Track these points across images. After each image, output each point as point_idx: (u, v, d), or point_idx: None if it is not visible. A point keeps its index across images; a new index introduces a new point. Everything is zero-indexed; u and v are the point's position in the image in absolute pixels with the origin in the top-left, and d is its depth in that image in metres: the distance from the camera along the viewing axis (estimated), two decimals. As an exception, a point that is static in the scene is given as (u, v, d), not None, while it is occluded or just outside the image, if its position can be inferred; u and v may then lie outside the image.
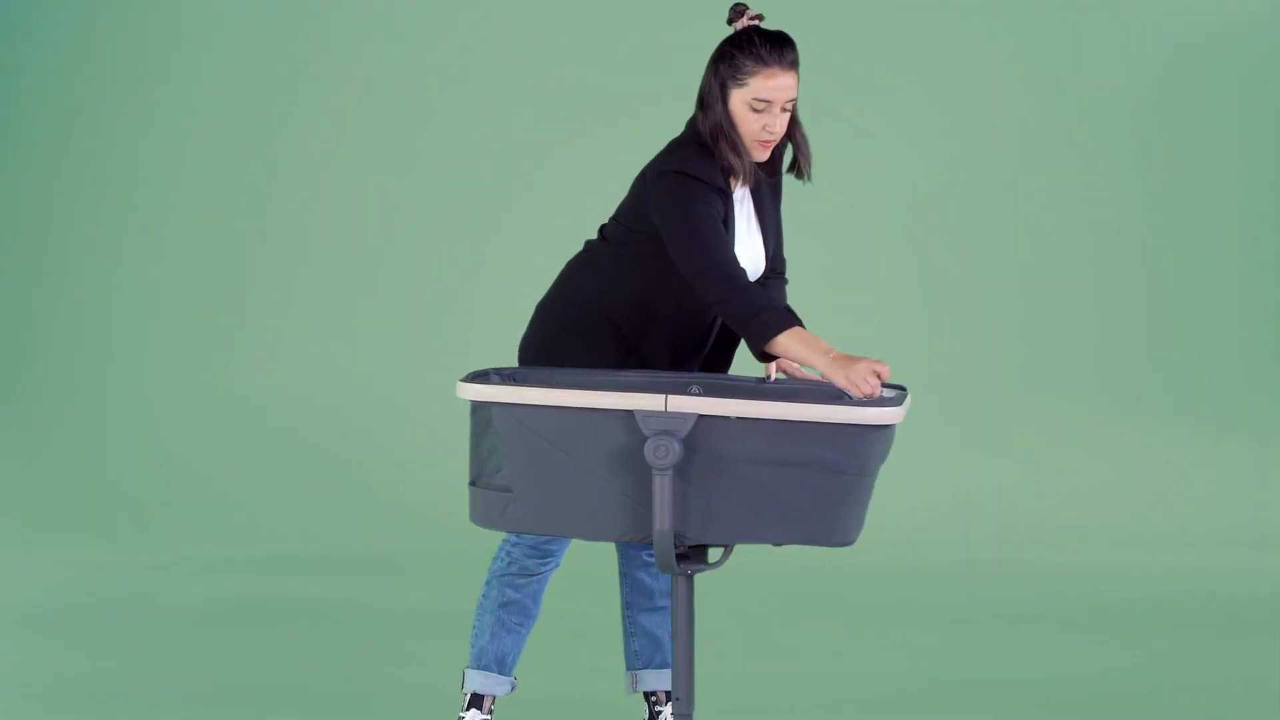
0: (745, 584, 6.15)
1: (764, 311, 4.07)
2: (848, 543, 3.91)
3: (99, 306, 8.15)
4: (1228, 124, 8.01)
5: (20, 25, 8.18)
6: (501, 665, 4.48)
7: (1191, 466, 7.73)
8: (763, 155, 4.25)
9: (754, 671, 5.49)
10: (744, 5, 4.26)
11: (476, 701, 4.50)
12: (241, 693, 5.27)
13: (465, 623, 5.09)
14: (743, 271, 4.14)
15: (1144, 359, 7.97)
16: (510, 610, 4.46)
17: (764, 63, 4.18)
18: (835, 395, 4.07)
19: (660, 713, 4.63)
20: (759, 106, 4.19)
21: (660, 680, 4.61)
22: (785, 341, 4.06)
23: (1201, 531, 7.43)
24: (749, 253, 4.32)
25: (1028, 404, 7.91)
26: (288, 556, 7.20)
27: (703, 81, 4.26)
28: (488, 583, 4.50)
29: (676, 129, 4.38)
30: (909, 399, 3.98)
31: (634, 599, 4.62)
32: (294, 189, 8.13)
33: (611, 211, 4.47)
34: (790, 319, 4.09)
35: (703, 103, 4.25)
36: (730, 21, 4.26)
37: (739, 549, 4.04)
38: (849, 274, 8.02)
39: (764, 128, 4.20)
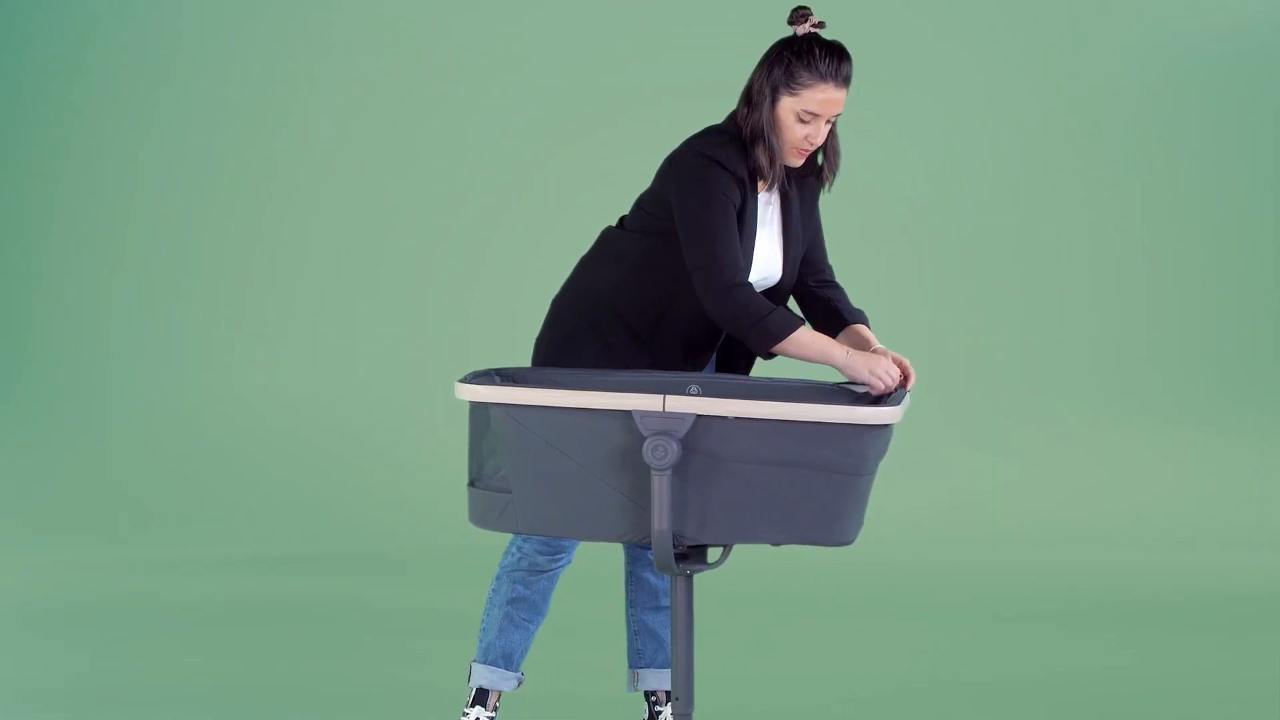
0: (745, 584, 6.16)
1: (768, 315, 4.09)
2: (847, 542, 3.91)
3: (99, 306, 8.15)
4: (1228, 124, 8.01)
5: (20, 25, 8.18)
6: (508, 661, 4.46)
7: (1191, 466, 7.73)
8: (797, 162, 4.25)
9: (754, 672, 5.48)
10: (807, 10, 4.20)
11: (481, 697, 4.48)
12: (241, 693, 5.27)
13: (465, 623, 5.10)
14: (744, 275, 4.14)
15: (1144, 359, 7.97)
16: (519, 606, 4.45)
17: (820, 76, 4.15)
18: (832, 395, 4.11)
19: (660, 712, 4.62)
20: (806, 118, 4.17)
21: (661, 680, 4.58)
22: (799, 341, 4.10)
23: (1201, 531, 7.43)
24: (765, 258, 4.30)
25: (1028, 404, 7.91)
26: (288, 556, 7.20)
27: (752, 78, 4.21)
28: (498, 577, 4.48)
29: (676, 129, 4.36)
30: (907, 398, 4.02)
31: (638, 597, 4.61)
32: (294, 189, 8.13)
33: (616, 208, 4.46)
34: (796, 320, 4.10)
35: (749, 100, 4.20)
36: (791, 23, 4.19)
37: (738, 549, 4.03)
38: (849, 274, 8.00)
39: (805, 137, 4.19)
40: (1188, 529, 7.44)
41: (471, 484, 4.03)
